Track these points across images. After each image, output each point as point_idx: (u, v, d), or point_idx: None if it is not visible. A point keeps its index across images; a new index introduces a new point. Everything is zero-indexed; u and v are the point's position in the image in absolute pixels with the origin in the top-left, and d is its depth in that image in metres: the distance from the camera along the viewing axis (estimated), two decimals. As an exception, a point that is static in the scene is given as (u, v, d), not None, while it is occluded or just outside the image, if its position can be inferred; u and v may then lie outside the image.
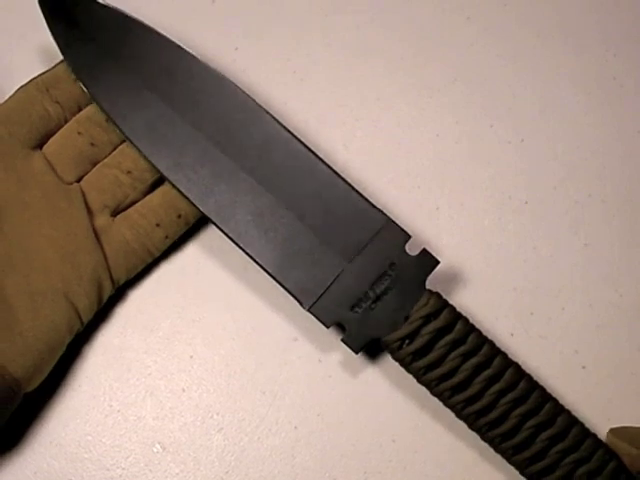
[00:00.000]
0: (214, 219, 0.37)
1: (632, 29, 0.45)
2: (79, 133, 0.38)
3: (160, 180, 0.39)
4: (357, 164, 0.42)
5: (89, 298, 0.36)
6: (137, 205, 0.38)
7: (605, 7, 0.45)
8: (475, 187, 0.42)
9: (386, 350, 0.36)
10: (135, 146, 0.38)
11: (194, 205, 0.37)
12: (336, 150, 0.42)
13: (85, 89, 0.38)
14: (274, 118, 0.38)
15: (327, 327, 0.36)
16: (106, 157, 0.39)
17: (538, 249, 0.41)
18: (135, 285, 0.39)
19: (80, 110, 0.39)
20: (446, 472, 0.37)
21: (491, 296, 0.40)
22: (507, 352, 0.37)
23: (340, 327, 0.36)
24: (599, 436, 0.36)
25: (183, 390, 0.38)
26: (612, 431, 0.36)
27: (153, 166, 0.38)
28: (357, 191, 0.37)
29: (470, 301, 0.39)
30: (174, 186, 0.37)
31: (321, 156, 0.38)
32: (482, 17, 0.45)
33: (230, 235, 0.37)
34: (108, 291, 0.37)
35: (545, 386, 0.36)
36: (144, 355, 0.39)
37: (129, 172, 0.38)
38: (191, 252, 0.40)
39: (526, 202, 0.41)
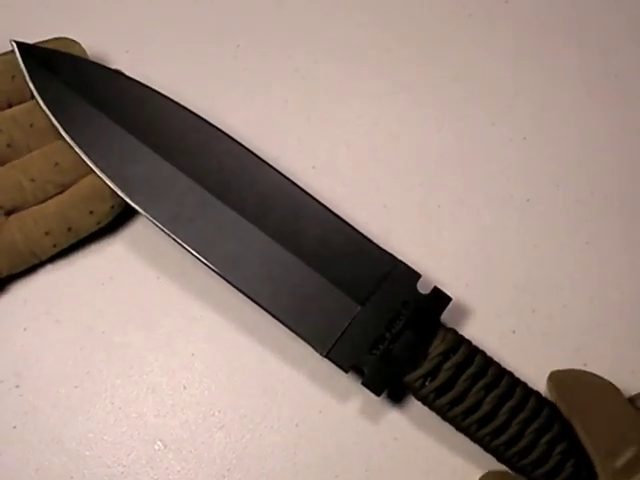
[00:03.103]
0: (220, 271, 0.36)
1: (633, 26, 0.45)
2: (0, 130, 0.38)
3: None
4: (359, 162, 0.42)
5: None
6: (33, 209, 0.38)
7: (606, 4, 0.45)
8: (476, 185, 0.42)
9: (408, 390, 0.36)
10: (131, 201, 0.37)
11: (197, 258, 0.36)
12: (338, 148, 0.42)
13: (75, 146, 0.38)
14: (272, 167, 0.38)
15: (346, 372, 0.35)
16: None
17: (539, 247, 0.41)
18: (137, 283, 0.39)
19: (10, 106, 0.39)
20: (448, 470, 0.37)
21: (492, 293, 0.40)
22: (509, 349, 0.37)
23: (359, 371, 0.36)
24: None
25: (184, 387, 0.38)
26: (551, 376, 0.36)
27: (149, 219, 0.37)
28: (363, 235, 0.37)
29: (472, 298, 0.39)
30: (174, 239, 0.37)
31: (325, 203, 0.38)
32: (484, 14, 0.45)
33: (238, 286, 0.36)
34: None
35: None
36: (145, 352, 0.39)
37: (32, 180, 0.38)
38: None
39: (528, 200, 0.41)
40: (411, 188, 0.42)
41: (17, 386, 0.38)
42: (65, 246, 0.39)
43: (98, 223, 0.39)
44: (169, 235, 0.37)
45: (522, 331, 0.39)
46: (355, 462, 0.37)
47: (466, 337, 0.36)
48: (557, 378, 0.36)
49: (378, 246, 0.37)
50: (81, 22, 0.45)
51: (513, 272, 0.40)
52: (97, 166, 0.37)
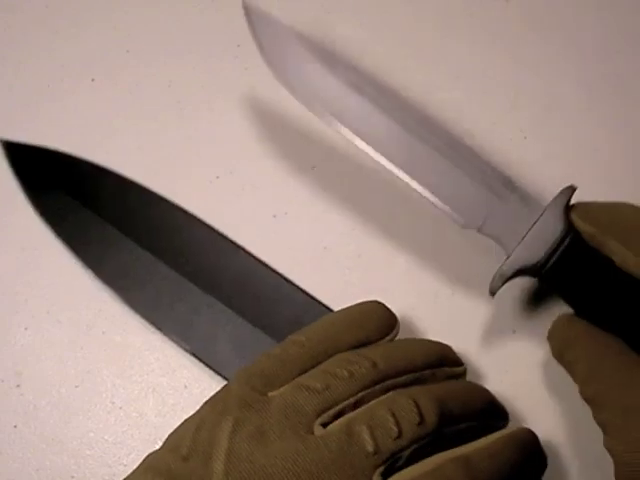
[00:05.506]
0: (197, 354, 0.37)
1: (635, 25, 0.45)
2: None
3: None
4: (359, 161, 0.42)
5: None
6: None
7: (606, 3, 0.45)
8: (477, 184, 0.42)
9: None
10: (110, 289, 0.38)
11: (175, 343, 0.38)
12: (339, 147, 0.42)
13: (57, 237, 0.39)
14: (246, 251, 0.39)
15: None
16: None
17: (540, 246, 0.41)
18: (137, 282, 0.40)
19: None
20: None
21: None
22: (509, 350, 0.37)
23: None
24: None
25: (185, 387, 0.38)
26: (574, 207, 0.35)
27: (129, 307, 0.38)
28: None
29: (472, 298, 0.39)
30: (153, 325, 0.38)
31: (296, 282, 0.39)
32: (485, 14, 0.45)
33: (213, 367, 0.37)
34: None
35: (546, 382, 0.37)
36: (146, 352, 0.39)
37: None
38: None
39: (528, 199, 0.41)
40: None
41: (18, 385, 0.38)
42: None
43: None
44: (147, 321, 0.38)
45: (523, 331, 0.39)
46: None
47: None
48: (580, 206, 0.35)
49: None
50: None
51: (514, 271, 0.40)
52: (77, 256, 0.39)
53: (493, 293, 0.35)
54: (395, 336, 0.34)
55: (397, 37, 0.44)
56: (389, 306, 0.35)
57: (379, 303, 0.34)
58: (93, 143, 0.43)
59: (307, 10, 0.45)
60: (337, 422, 0.29)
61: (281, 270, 0.40)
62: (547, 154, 0.42)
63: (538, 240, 0.35)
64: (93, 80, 0.44)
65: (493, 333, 0.38)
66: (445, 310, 0.39)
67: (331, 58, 0.37)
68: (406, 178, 0.36)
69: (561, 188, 0.36)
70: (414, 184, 0.36)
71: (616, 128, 0.43)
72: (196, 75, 0.44)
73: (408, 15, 0.45)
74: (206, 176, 0.42)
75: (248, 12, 0.38)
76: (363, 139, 0.36)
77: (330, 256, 0.40)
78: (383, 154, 0.36)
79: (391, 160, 0.36)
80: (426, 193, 0.36)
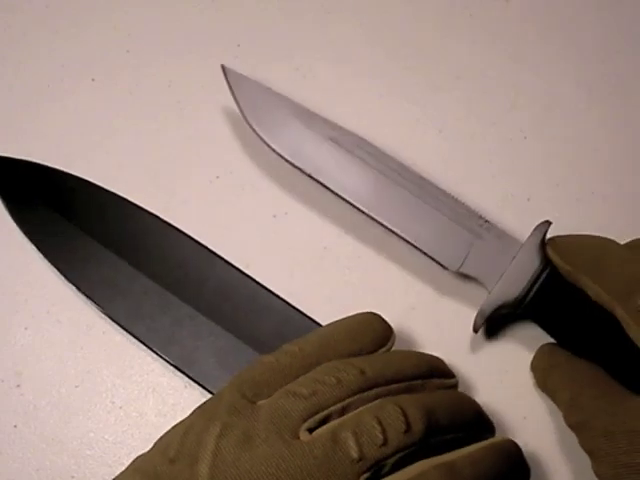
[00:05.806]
0: (179, 366, 0.37)
1: (635, 25, 0.45)
2: None
3: None
4: (359, 161, 0.42)
5: None
6: None
7: (608, 3, 0.45)
8: (477, 185, 0.42)
9: None
10: (92, 300, 0.38)
11: (157, 354, 0.38)
12: (338, 147, 0.42)
13: (38, 250, 0.39)
14: (226, 262, 0.39)
15: None
16: None
17: (540, 246, 0.41)
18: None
19: None
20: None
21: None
22: (510, 350, 0.37)
23: None
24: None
25: (185, 387, 0.38)
26: (550, 243, 0.36)
27: (112, 319, 0.38)
28: (318, 323, 0.38)
29: (471, 300, 0.39)
30: (135, 337, 0.38)
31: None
32: (485, 14, 0.45)
33: (196, 379, 0.37)
34: None
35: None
36: (146, 352, 0.39)
37: None
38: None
39: (528, 199, 0.41)
40: (412, 188, 0.42)
41: (18, 385, 0.38)
42: None
43: None
44: (128, 332, 0.38)
45: (522, 333, 0.39)
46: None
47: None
48: (556, 243, 0.36)
49: None
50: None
51: (514, 272, 0.40)
52: (58, 268, 0.39)
53: (476, 330, 0.36)
54: (390, 348, 0.34)
55: (397, 37, 0.45)
56: (388, 307, 0.35)
57: (375, 315, 0.34)
58: (93, 144, 0.43)
59: (307, 10, 0.45)
60: (323, 428, 0.29)
61: (281, 270, 0.40)
62: (547, 154, 0.42)
63: (516, 277, 0.36)
64: (93, 80, 0.44)
65: (493, 333, 0.38)
66: (445, 310, 0.39)
67: (308, 115, 0.39)
68: (387, 224, 0.37)
69: (537, 223, 0.37)
70: (395, 230, 0.37)
71: (616, 128, 0.43)
72: (196, 75, 0.44)
73: (408, 15, 0.45)
74: (206, 176, 0.42)
75: (227, 75, 0.39)
76: (343, 188, 0.38)
77: (330, 256, 0.40)
78: (363, 204, 0.38)
79: (372, 209, 0.37)
80: (407, 238, 0.37)
